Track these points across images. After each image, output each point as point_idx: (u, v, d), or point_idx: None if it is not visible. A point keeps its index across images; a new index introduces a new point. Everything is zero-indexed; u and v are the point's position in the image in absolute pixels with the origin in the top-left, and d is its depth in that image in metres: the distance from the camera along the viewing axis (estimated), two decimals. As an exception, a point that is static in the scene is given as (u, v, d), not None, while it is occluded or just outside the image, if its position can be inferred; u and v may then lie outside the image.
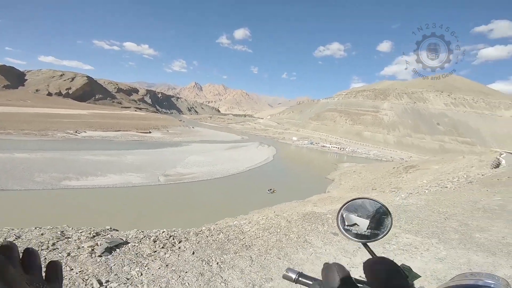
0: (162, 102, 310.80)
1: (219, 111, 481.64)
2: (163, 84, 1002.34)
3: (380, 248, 4.75)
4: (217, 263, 4.20)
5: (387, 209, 1.08)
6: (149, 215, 24.14)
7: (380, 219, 1.09)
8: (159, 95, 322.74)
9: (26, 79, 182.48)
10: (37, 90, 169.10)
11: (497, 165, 22.65)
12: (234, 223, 6.92)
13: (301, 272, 1.02)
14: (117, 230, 5.56)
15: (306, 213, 7.21)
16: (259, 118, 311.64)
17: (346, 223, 1.11)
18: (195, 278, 3.69)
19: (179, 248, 4.64)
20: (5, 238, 4.29)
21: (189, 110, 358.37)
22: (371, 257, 0.95)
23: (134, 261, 4.10)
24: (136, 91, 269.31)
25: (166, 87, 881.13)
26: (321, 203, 22.54)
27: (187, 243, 4.84)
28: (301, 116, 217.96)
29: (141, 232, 5.23)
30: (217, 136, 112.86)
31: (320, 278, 1.12)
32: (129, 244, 4.62)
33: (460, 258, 4.36)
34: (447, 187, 15.12)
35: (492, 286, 0.78)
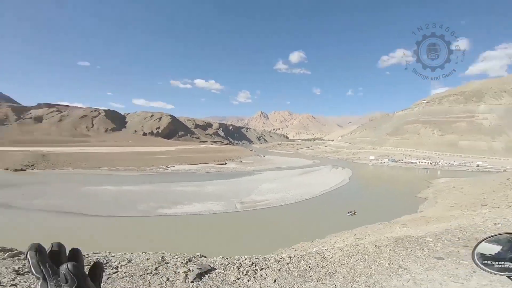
0: (233, 134, 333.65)
1: (287, 137, 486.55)
2: (232, 116, 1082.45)
3: None
4: None
5: None
6: (229, 240, 25.30)
7: None
8: (230, 127, 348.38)
9: (126, 121, 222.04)
10: (135, 131, 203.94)
11: None
12: (315, 249, 6.71)
13: None
14: (205, 257, 5.82)
15: (399, 237, 6.57)
16: (329, 140, 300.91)
17: (487, 258, 1.04)
18: (277, 307, 3.53)
19: (261, 275, 4.68)
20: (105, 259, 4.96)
21: (259, 139, 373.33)
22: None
23: None
24: (210, 125, 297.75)
25: (235, 119, 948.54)
26: (412, 224, 19.58)
27: (268, 270, 4.86)
28: (376, 132, 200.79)
29: (226, 259, 5.40)
30: (288, 162, 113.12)
31: None
32: (216, 271, 4.81)
33: None
34: None
35: None
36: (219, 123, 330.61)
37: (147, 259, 5.06)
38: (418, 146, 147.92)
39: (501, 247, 1.02)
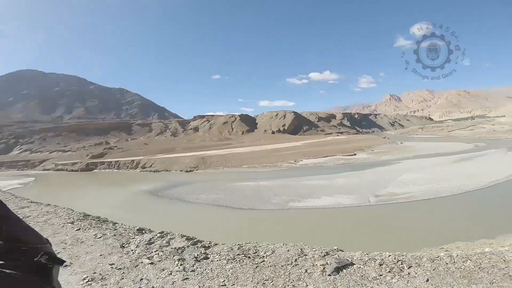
0: (361, 122, 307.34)
1: (431, 119, 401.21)
2: (357, 104, 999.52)
3: None
4: None
5: None
6: (362, 235, 23.64)
7: None
8: (356, 116, 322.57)
9: (257, 123, 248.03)
10: (265, 131, 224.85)
11: None
12: (486, 249, 5.66)
13: None
14: (342, 251, 5.72)
15: None
16: (497, 117, 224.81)
17: None
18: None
19: (409, 274, 4.25)
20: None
21: (392, 125, 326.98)
22: None
23: (359, 283, 4.07)
24: (333, 116, 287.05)
25: (361, 107, 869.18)
26: None
27: (419, 269, 4.39)
28: None
29: (366, 255, 5.16)
30: (436, 148, 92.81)
31: None
32: (355, 266, 4.66)
33: None
34: None
35: None
36: (342, 113, 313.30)
37: (288, 251, 5.31)
38: None
39: None
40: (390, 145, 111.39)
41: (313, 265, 4.69)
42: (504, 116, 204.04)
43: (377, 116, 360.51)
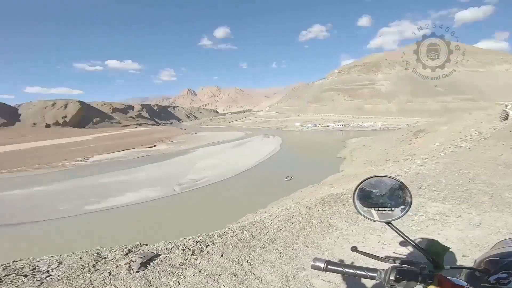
0: (160, 114, 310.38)
1: (217, 112, 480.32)
2: (157, 96, 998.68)
3: (409, 221, 4.75)
4: (247, 261, 4.22)
5: (403, 184, 1.03)
6: (172, 224, 24.57)
7: (398, 196, 1.03)
8: (155, 108, 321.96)
9: (20, 113, 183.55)
10: (34, 124, 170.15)
11: (506, 117, 22.43)
12: (255, 219, 6.87)
13: (329, 260, 1.02)
14: (146, 245, 5.64)
15: (324, 197, 7.07)
16: (258, 111, 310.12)
17: (364, 205, 1.06)
18: (229, 279, 3.76)
19: (208, 252, 4.68)
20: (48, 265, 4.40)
21: (188, 117, 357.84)
22: (398, 235, 0.98)
23: (169, 272, 4.14)
24: (131, 108, 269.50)
25: (161, 98, 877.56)
26: (337, 184, 22.58)
27: (214, 246, 4.86)
28: (299, 101, 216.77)
29: (169, 243, 5.26)
30: (221, 136, 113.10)
31: (347, 262, 1.22)
32: (161, 256, 4.66)
33: (496, 222, 4.40)
34: (461, 146, 15.14)
35: None
36: (141, 105, 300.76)
37: (81, 258, 4.68)
38: (334, 111, 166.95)
39: (373, 193, 1.04)
40: (187, 135, 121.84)
41: (117, 266, 4.41)
42: (262, 111, 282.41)
43: (175, 108, 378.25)
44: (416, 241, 1.05)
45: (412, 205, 1.03)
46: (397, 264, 0.96)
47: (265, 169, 47.92)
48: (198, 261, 4.42)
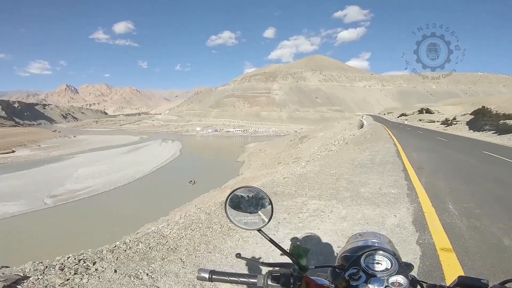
0: (22, 113, 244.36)
1: (106, 113, 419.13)
2: (19, 91, 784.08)
3: (296, 218, 5.12)
4: (147, 274, 3.89)
5: (265, 193, 1.11)
6: (44, 245, 20.53)
7: (263, 204, 1.10)
8: (16, 105, 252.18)
9: None
10: None
11: (362, 126, 29.04)
12: (152, 229, 6.43)
13: (214, 270, 1.03)
14: (8, 267, 4.60)
15: (223, 201, 7.34)
16: (156, 114, 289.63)
17: (235, 216, 1.11)
18: (128, 296, 3.32)
19: (96, 269, 4.10)
20: None
21: (65, 118, 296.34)
22: (267, 241, 1.02)
23: None
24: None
25: (25, 94, 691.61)
26: (238, 187, 23.33)
27: (103, 262, 4.30)
28: (201, 106, 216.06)
29: (40, 263, 4.41)
30: (110, 141, 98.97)
31: (235, 271, 1.23)
32: (31, 278, 3.90)
33: (356, 214, 5.15)
34: (332, 150, 18.33)
35: (376, 244, 1.06)
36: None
37: None
38: (234, 117, 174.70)
39: (242, 204, 1.10)
40: (62, 139, 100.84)
41: (-27, 299, 3.45)
42: (161, 114, 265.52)
43: (46, 107, 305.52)
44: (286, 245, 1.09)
45: (273, 212, 1.10)
46: (272, 269, 0.98)
47: (165, 175, 45.36)
48: (85, 280, 3.78)
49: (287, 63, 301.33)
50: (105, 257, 4.55)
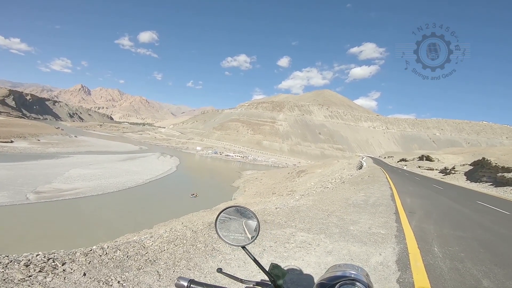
0: (32, 106, 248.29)
1: (112, 118, 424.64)
2: (35, 84, 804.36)
3: (282, 248, 5.10)
4: (118, 281, 3.74)
5: (253, 213, 1.20)
6: (17, 239, 20.08)
7: (250, 224, 1.20)
8: (28, 97, 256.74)
9: None
10: None
11: (361, 167, 29.17)
12: (134, 238, 6.34)
13: (193, 279, 1.04)
14: None
15: (212, 222, 7.32)
16: (160, 127, 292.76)
17: (224, 231, 1.20)
18: (92, 301, 3.11)
19: (64, 270, 3.95)
20: None
21: (71, 116, 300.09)
22: (250, 259, 1.09)
23: (2, 287, 3.42)
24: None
25: (40, 89, 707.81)
26: (230, 205, 23.04)
27: (74, 264, 4.15)
28: (205, 125, 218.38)
29: (5, 257, 4.25)
30: (109, 146, 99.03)
31: (214, 284, 1.28)
32: None
33: (342, 250, 5.17)
34: (328, 187, 18.27)
35: (353, 275, 1.09)
36: (9, 90, 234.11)
37: None
38: (236, 142, 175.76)
39: (231, 221, 1.21)
40: (63, 137, 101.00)
41: None
42: (165, 127, 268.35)
43: (56, 104, 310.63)
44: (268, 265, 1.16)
45: (259, 232, 1.19)
46: (251, 286, 1.04)
47: (156, 189, 44.58)
48: (48, 279, 3.66)
49: (296, 95, 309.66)
50: (77, 259, 4.42)
